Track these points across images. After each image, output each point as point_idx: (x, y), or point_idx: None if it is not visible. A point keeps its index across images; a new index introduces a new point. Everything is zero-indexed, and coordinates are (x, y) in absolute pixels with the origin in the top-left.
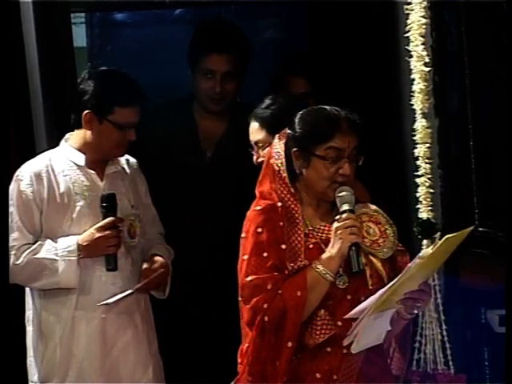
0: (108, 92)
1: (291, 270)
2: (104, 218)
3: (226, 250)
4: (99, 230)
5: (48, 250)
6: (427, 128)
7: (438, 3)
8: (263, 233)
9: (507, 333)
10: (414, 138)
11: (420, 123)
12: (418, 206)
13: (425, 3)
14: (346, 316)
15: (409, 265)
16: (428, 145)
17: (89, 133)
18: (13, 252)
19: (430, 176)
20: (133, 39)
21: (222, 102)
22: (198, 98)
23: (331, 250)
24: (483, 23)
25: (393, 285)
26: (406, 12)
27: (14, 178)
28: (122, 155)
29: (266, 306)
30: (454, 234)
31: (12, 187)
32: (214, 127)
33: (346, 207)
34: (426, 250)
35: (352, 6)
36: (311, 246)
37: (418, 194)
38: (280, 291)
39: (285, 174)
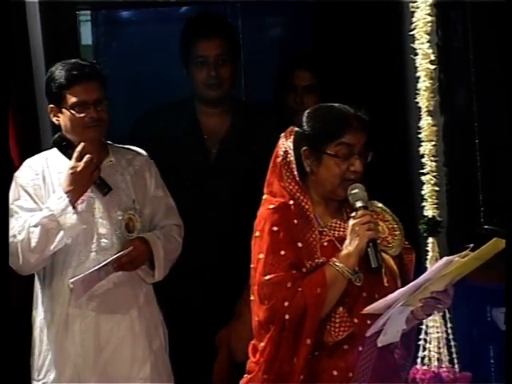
0: (54, 80)
1: (309, 267)
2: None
3: (233, 247)
4: (70, 171)
5: (42, 212)
6: (433, 126)
7: (443, 1)
8: (280, 231)
9: (507, 331)
10: (420, 135)
11: (425, 121)
12: (424, 203)
13: (430, 1)
14: (364, 310)
15: (448, 258)
16: (433, 143)
17: (62, 127)
18: (13, 238)
19: (435, 174)
20: (138, 37)
21: (220, 89)
22: (196, 93)
23: (349, 247)
24: (489, 21)
25: (429, 280)
26: (412, 10)
27: (14, 178)
28: (98, 135)
29: (286, 304)
30: (501, 239)
31: (13, 187)
32: (216, 124)
33: (360, 204)
34: (466, 252)
35: (357, 4)
36: (325, 244)
37: (423, 192)
38: (300, 289)
39: (295, 172)
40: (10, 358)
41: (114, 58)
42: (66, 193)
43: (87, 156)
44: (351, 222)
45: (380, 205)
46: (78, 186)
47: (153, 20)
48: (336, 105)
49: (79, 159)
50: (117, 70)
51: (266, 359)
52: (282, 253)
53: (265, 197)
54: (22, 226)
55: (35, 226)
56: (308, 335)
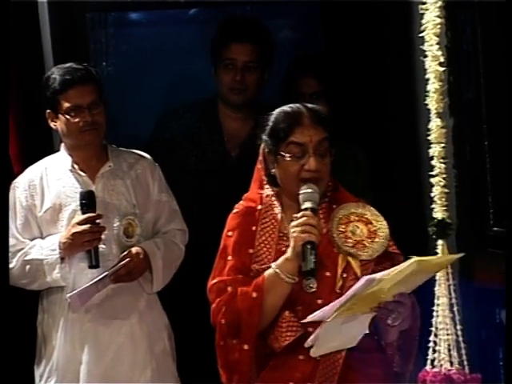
0: (48, 86)
1: (256, 272)
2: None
3: None
4: (74, 226)
5: (37, 250)
6: (442, 128)
7: (453, 3)
8: (232, 236)
9: (507, 332)
10: (429, 137)
11: (435, 123)
12: (433, 205)
13: (440, 3)
14: (307, 319)
15: (369, 277)
16: (443, 144)
17: (59, 131)
18: (9, 257)
19: (444, 176)
20: (147, 39)
21: (243, 94)
22: (220, 95)
23: (288, 251)
24: (498, 23)
25: (353, 296)
26: (421, 12)
27: (12, 185)
28: (94, 139)
29: (224, 308)
30: (426, 258)
31: (10, 195)
32: (238, 128)
33: (307, 205)
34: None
35: (366, 5)
36: (283, 249)
37: (432, 194)
38: (238, 293)
39: (263, 177)
40: (16, 364)
41: (124, 59)
42: (61, 243)
43: (100, 227)
44: (291, 223)
45: (367, 207)
46: (74, 244)
47: (162, 22)
48: (292, 104)
49: (88, 222)
50: (126, 71)
51: (220, 367)
52: (229, 258)
53: (240, 201)
54: (15, 253)
55: (26, 262)
56: (245, 341)
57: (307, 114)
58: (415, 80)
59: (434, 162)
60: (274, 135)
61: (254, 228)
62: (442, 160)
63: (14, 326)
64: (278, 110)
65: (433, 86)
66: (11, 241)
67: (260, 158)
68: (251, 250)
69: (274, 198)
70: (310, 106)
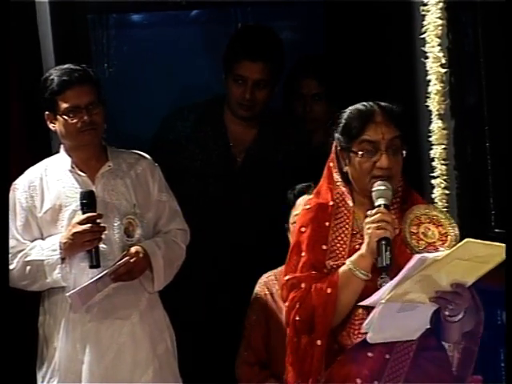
0: (46, 87)
1: (330, 268)
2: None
3: (253, 253)
4: (75, 225)
5: (37, 251)
6: (443, 129)
7: (454, 4)
8: (305, 232)
9: (508, 333)
10: (430, 139)
11: (436, 124)
12: None
13: (441, 4)
14: (363, 302)
15: (421, 256)
16: (444, 146)
17: (58, 133)
18: (10, 258)
19: (445, 177)
20: (148, 40)
21: (252, 110)
22: (228, 103)
23: (362, 247)
24: (500, 24)
25: (406, 276)
26: (422, 13)
27: (12, 187)
28: (92, 140)
29: (298, 305)
30: (479, 240)
31: (10, 196)
32: (243, 133)
33: (380, 202)
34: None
35: (368, 7)
36: (357, 247)
37: (433, 196)
38: (312, 289)
39: (336, 174)
40: (18, 366)
41: (125, 61)
42: (62, 243)
43: (100, 226)
44: (365, 220)
45: (438, 209)
46: (75, 244)
47: (163, 23)
48: (366, 102)
49: (88, 222)
50: (127, 72)
51: (290, 364)
52: (303, 254)
53: (310, 196)
54: (15, 255)
55: (26, 263)
56: (318, 336)
57: (380, 112)
58: (416, 81)
59: (435, 164)
60: (346, 133)
61: (327, 224)
62: (443, 161)
63: (16, 327)
64: (351, 108)
65: (434, 87)
66: (11, 242)
67: (332, 155)
68: (325, 247)
69: (343, 196)
70: (383, 104)
